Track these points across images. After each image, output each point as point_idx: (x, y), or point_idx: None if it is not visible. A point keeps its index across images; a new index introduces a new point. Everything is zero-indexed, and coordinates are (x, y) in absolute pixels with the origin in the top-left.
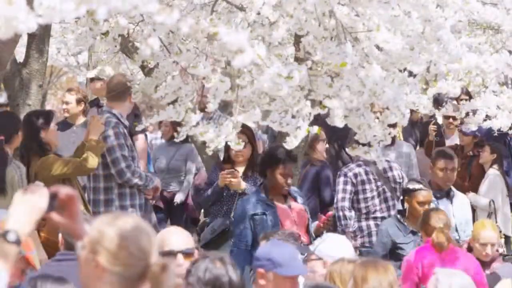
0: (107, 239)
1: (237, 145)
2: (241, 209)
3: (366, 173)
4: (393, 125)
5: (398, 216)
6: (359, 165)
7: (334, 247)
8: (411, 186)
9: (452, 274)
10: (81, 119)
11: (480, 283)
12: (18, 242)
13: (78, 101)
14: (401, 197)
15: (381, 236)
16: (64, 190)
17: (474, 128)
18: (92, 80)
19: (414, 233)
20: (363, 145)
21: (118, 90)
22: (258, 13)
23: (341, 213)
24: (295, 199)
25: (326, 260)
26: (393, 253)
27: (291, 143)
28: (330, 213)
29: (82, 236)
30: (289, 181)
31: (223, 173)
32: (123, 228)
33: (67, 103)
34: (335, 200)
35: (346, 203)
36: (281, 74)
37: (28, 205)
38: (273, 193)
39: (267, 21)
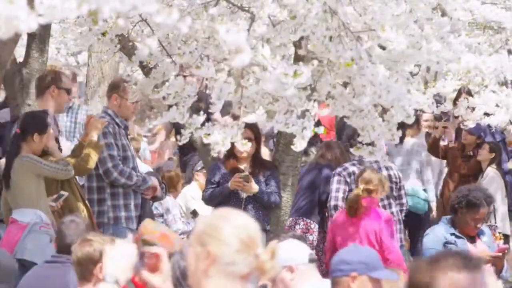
0: (216, 229)
1: (244, 146)
2: (433, 235)
3: None
4: (401, 125)
5: None
6: (353, 164)
7: (289, 251)
8: None
9: None
10: None
11: (378, 243)
12: (117, 282)
13: None
14: None
15: None
16: (154, 249)
17: (472, 124)
18: None
19: None
20: (367, 145)
21: (108, 90)
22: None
23: (334, 212)
24: (480, 239)
25: (291, 265)
26: None
27: (299, 146)
28: (504, 246)
29: None
30: (479, 224)
31: (236, 178)
32: (230, 218)
33: None
34: (329, 199)
35: (340, 202)
36: (286, 73)
37: (120, 256)
38: (461, 231)
39: (270, 21)
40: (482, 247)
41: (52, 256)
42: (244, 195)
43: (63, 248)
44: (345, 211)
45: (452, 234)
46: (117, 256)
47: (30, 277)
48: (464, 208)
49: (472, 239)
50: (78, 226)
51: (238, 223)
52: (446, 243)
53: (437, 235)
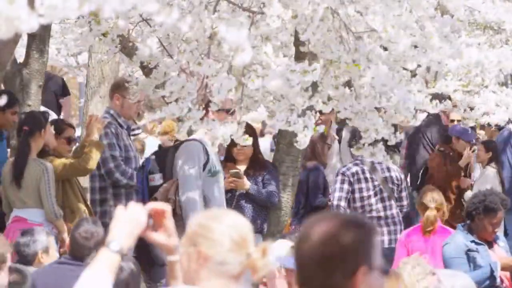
0: (208, 229)
1: (246, 141)
2: (454, 244)
3: (363, 172)
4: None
5: None
6: (356, 164)
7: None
8: None
9: (453, 275)
10: None
11: None
12: (121, 252)
13: None
14: None
15: None
16: (157, 205)
17: (471, 124)
18: None
19: None
20: (369, 145)
21: (110, 91)
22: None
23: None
24: (497, 244)
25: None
26: None
27: (303, 143)
28: None
29: (174, 251)
30: (497, 229)
31: (228, 179)
32: (222, 218)
33: None
34: (331, 199)
35: (342, 202)
36: (294, 69)
37: (130, 220)
38: (478, 237)
39: (272, 21)
40: (501, 252)
41: (65, 258)
42: (236, 192)
43: (79, 256)
44: (419, 229)
45: (472, 241)
46: (127, 222)
47: (48, 275)
48: (481, 213)
49: (489, 244)
50: (96, 238)
51: (230, 223)
52: (468, 251)
53: (458, 244)
